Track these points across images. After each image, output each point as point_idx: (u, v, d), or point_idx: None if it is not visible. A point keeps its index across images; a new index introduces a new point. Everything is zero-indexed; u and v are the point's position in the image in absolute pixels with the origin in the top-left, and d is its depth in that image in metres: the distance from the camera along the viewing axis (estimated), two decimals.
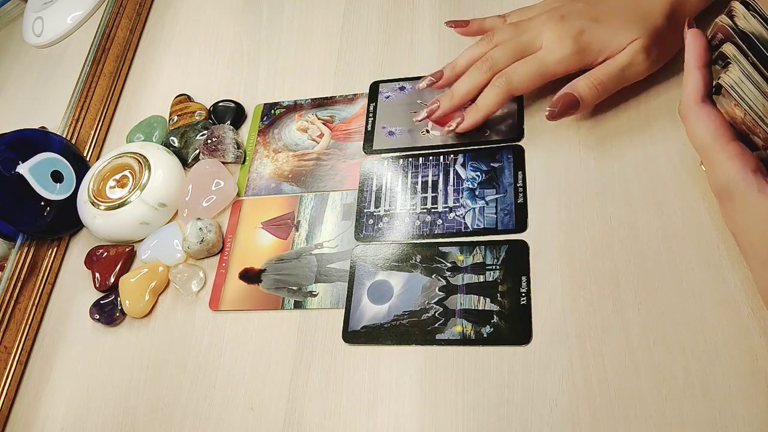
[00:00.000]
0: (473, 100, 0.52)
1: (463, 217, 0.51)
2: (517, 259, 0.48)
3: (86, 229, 0.62)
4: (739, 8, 0.39)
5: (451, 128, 0.52)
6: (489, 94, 0.51)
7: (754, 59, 0.38)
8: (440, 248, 0.50)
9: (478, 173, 0.53)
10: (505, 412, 0.43)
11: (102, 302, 0.56)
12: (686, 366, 0.41)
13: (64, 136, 0.67)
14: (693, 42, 0.42)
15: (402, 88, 0.60)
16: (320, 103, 0.62)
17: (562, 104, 0.48)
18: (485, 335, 0.46)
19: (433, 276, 0.49)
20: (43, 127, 0.69)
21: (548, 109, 0.48)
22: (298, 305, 0.52)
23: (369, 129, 0.59)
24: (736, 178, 0.37)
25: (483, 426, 0.43)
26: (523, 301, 0.46)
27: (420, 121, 0.54)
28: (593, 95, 0.48)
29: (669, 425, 0.39)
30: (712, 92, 0.41)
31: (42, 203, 0.59)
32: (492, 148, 0.54)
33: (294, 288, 0.53)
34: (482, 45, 0.52)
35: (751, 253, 0.39)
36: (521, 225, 0.49)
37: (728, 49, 0.39)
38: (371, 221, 0.53)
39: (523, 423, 0.42)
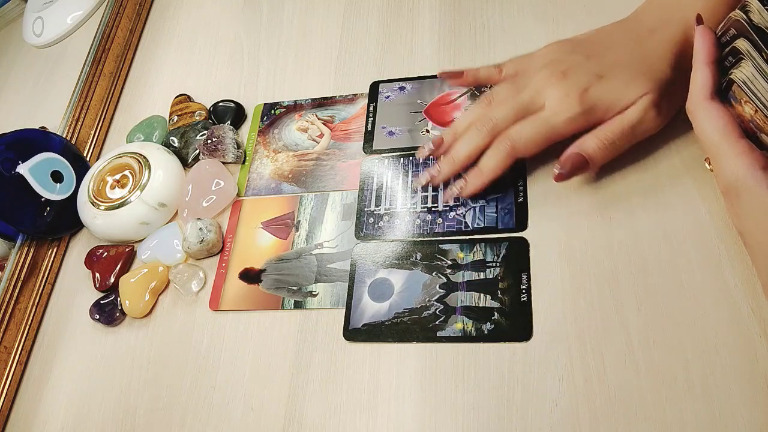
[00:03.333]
0: (475, 162, 0.49)
1: (464, 216, 0.51)
2: (517, 256, 0.48)
3: (86, 229, 0.62)
4: (754, 3, 0.38)
5: (454, 194, 0.50)
6: (492, 158, 0.48)
7: None
8: (440, 246, 0.50)
9: None
10: (505, 411, 0.43)
11: (102, 302, 0.56)
12: (686, 366, 0.41)
13: (64, 136, 0.67)
14: (702, 38, 0.41)
15: (402, 88, 0.60)
16: (320, 103, 0.62)
17: (571, 165, 0.45)
18: (486, 332, 0.46)
19: (433, 273, 0.49)
20: (43, 127, 0.69)
21: (556, 170, 0.46)
22: (298, 305, 0.52)
23: (369, 129, 0.59)
24: (745, 175, 0.37)
25: (483, 425, 0.43)
26: (524, 297, 0.46)
27: (422, 186, 0.52)
28: (603, 155, 0.46)
29: (669, 425, 0.39)
30: (721, 89, 0.41)
31: (42, 203, 0.59)
32: None
33: (294, 288, 0.52)
34: (481, 106, 0.50)
35: (758, 251, 0.38)
36: (521, 224, 0.49)
37: (741, 44, 0.39)
38: (371, 220, 0.53)
39: (523, 423, 0.42)
